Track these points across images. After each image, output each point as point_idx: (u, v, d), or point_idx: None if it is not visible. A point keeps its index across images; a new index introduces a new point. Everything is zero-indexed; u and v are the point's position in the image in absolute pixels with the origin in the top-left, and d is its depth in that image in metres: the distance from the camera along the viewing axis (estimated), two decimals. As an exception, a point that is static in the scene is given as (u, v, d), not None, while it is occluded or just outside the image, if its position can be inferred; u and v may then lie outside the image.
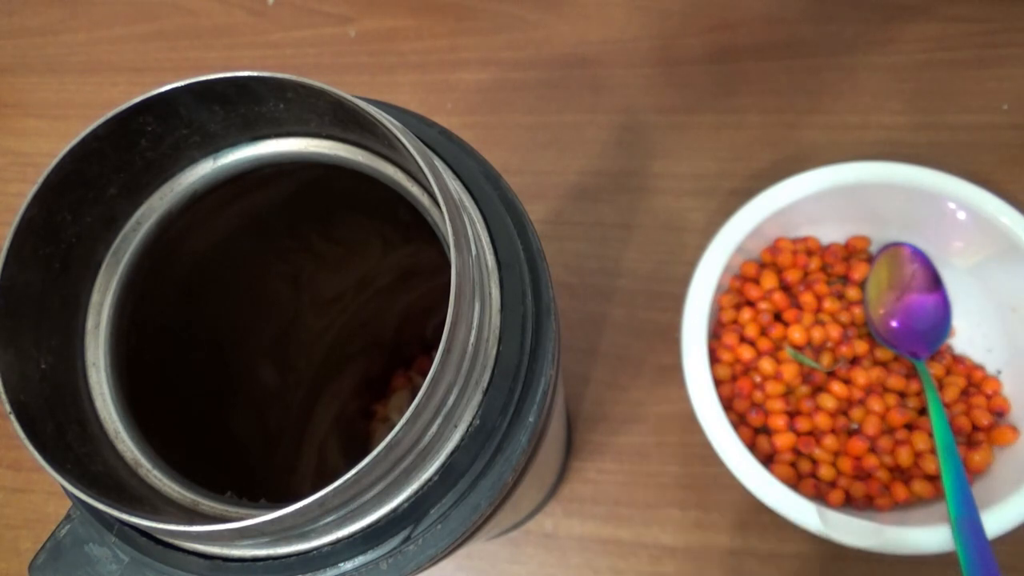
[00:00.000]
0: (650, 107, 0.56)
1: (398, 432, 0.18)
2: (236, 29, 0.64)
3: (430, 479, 0.21)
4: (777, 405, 0.43)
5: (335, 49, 0.61)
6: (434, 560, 0.22)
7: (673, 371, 0.48)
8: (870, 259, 0.48)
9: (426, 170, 0.19)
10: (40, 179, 0.20)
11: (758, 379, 0.45)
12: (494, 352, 0.22)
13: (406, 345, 0.50)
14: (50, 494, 0.51)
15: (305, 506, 0.17)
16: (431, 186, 0.19)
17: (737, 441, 0.40)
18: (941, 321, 0.46)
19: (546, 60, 0.58)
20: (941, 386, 0.44)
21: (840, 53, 0.55)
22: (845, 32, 0.55)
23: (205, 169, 0.24)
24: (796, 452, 0.43)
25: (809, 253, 0.48)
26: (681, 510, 0.46)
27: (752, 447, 0.43)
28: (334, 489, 0.18)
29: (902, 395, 0.44)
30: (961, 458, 0.40)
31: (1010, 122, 0.51)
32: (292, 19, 0.63)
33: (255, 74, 0.21)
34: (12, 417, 0.19)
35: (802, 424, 0.43)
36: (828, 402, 0.43)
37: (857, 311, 0.46)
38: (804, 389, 0.44)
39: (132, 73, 0.64)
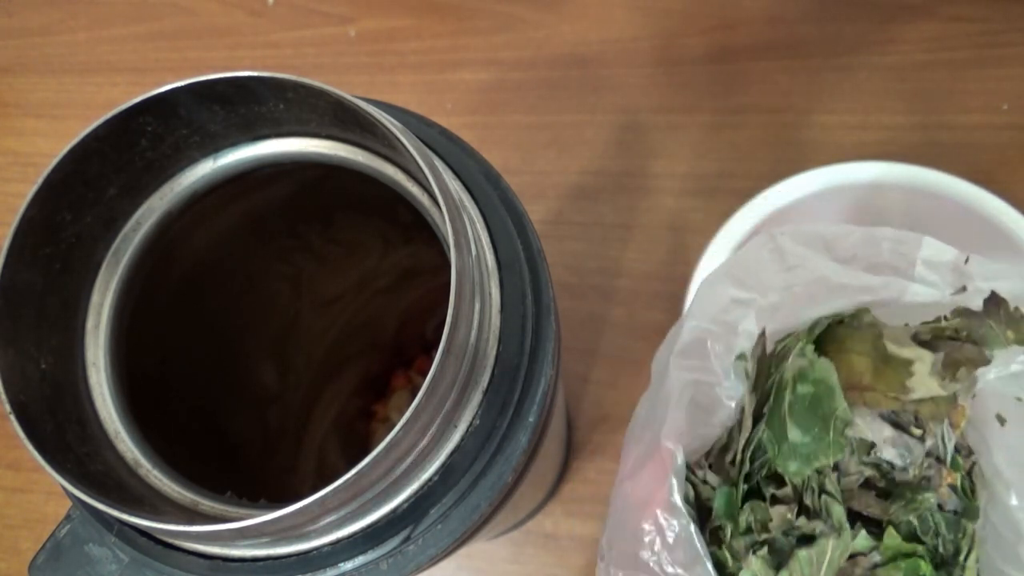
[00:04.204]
0: (650, 107, 0.56)
1: (398, 432, 0.18)
2: (236, 29, 0.64)
3: (430, 479, 0.21)
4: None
5: (335, 49, 0.61)
6: (434, 560, 0.22)
7: (673, 371, 0.48)
8: (870, 259, 0.48)
9: (426, 170, 0.19)
10: (40, 179, 0.20)
11: (758, 379, 0.45)
12: (494, 352, 0.22)
13: (406, 345, 0.50)
14: (50, 494, 0.51)
15: (305, 506, 0.17)
16: (431, 186, 0.19)
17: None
18: (941, 321, 0.45)
19: (546, 60, 0.58)
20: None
21: (840, 53, 0.55)
22: (845, 32, 0.55)
23: (205, 169, 0.24)
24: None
25: (809, 253, 0.47)
26: (681, 510, 0.46)
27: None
28: (334, 489, 0.18)
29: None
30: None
31: (1010, 122, 0.51)
32: (292, 19, 0.63)
33: (255, 74, 0.21)
34: (12, 417, 0.19)
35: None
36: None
37: (857, 311, 0.46)
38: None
39: (132, 73, 0.64)
